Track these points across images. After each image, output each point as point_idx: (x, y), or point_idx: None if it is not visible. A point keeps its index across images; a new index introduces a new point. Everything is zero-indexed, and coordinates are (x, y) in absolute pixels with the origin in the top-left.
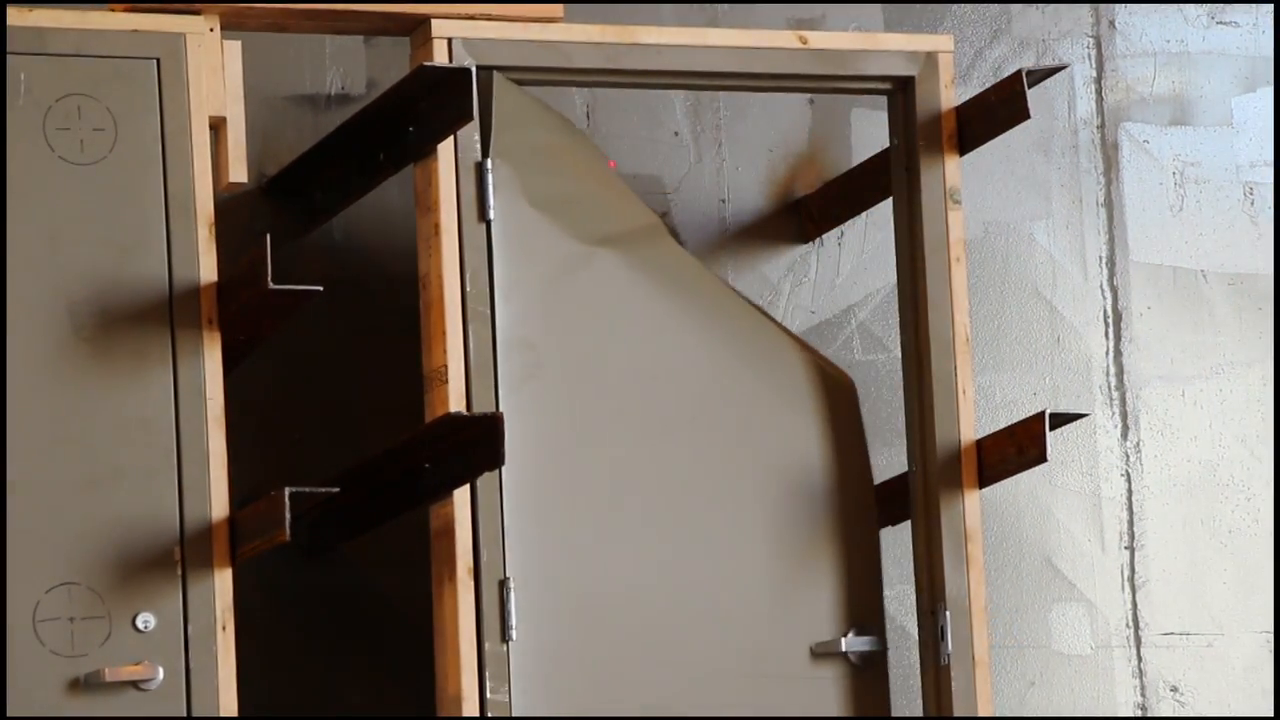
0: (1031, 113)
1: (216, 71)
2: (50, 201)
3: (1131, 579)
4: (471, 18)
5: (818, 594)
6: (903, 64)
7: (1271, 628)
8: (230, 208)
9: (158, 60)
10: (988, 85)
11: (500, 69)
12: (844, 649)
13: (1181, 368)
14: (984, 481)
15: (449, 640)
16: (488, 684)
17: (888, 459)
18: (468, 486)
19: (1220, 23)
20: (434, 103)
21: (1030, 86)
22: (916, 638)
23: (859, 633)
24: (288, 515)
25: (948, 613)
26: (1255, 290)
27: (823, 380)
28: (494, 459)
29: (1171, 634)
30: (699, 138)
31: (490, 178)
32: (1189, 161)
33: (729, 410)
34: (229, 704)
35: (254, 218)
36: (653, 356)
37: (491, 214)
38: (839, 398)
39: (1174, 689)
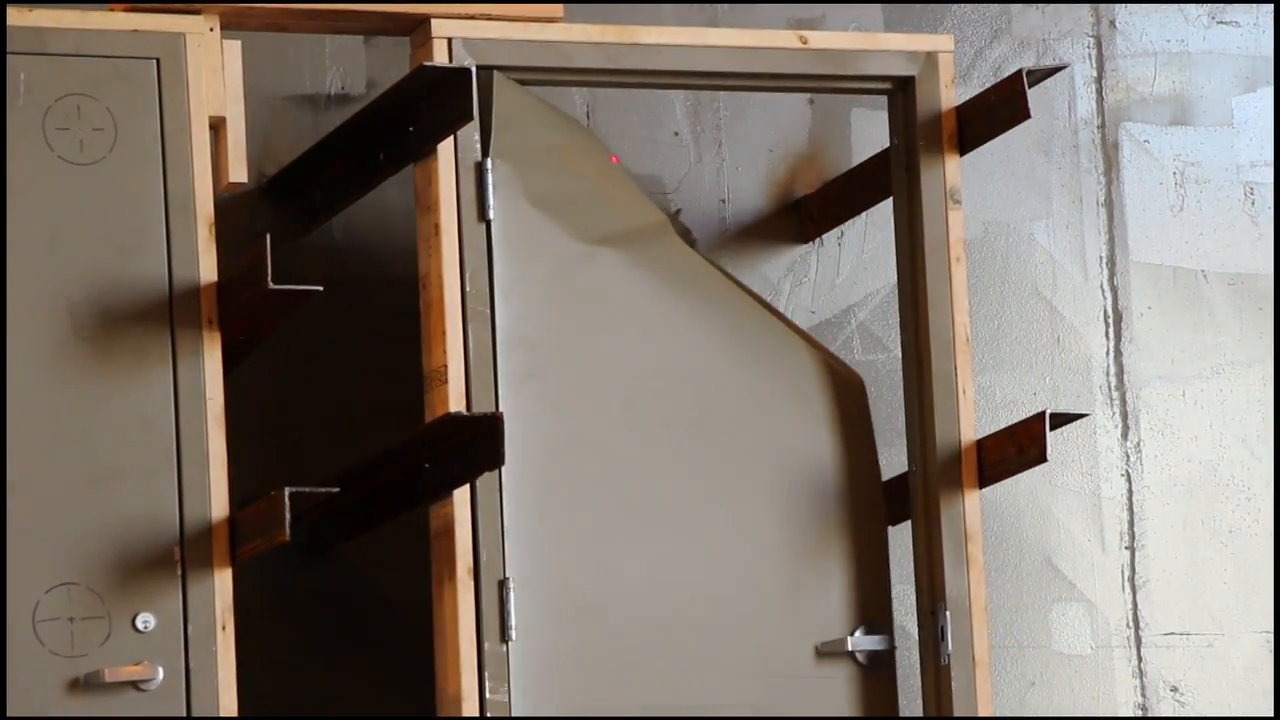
0: (1032, 113)
1: (216, 71)
2: (50, 201)
3: (1132, 579)
4: (471, 18)
5: (826, 593)
6: (903, 64)
7: (1271, 628)
8: (230, 208)
9: (158, 60)
10: (988, 85)
11: (500, 69)
12: (851, 648)
13: (1182, 368)
14: (984, 481)
15: (449, 640)
16: (487, 684)
17: (888, 459)
18: (468, 486)
19: (1221, 22)
20: (434, 103)
21: (1030, 86)
22: (916, 638)
23: (867, 631)
24: (288, 515)
25: (948, 613)
26: (1255, 290)
27: (832, 378)
28: (494, 459)
29: (1172, 634)
30: (699, 138)
31: (490, 177)
32: (1189, 161)
33: (737, 409)
34: (229, 704)
35: (254, 218)
36: (656, 355)
37: (491, 214)
38: (849, 396)
39: (1174, 689)
